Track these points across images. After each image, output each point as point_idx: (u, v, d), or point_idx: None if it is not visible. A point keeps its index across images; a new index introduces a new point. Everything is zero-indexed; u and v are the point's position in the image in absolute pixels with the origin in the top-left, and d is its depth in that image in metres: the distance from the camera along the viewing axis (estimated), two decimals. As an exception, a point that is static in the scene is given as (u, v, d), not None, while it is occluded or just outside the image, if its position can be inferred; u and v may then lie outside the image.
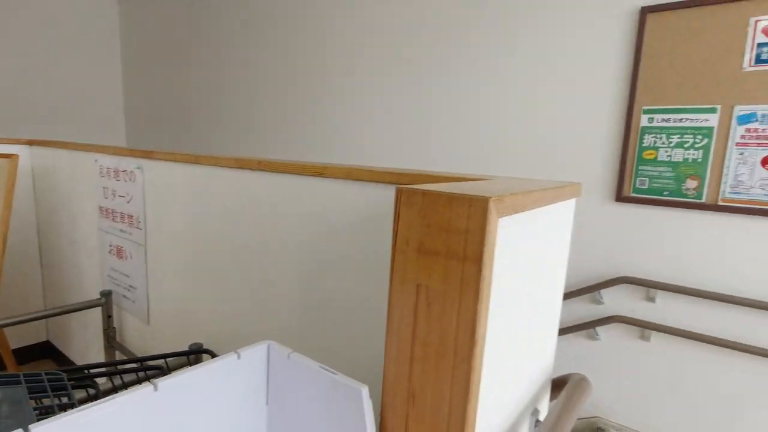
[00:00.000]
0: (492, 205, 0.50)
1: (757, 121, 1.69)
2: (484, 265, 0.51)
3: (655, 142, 1.88)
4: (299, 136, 3.12)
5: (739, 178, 1.74)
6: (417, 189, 0.54)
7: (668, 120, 1.84)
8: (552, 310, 0.89)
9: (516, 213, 0.55)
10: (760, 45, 1.66)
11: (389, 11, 2.63)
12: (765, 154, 1.69)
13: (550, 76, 2.10)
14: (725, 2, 1.69)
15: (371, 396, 0.60)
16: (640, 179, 1.92)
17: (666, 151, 1.86)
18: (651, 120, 1.87)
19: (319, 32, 2.95)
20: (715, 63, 1.73)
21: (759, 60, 1.67)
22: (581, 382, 0.85)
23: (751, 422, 1.82)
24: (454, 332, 0.53)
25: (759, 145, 1.69)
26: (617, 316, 2.03)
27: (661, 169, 1.87)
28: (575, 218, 2.08)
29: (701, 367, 1.90)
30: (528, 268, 0.68)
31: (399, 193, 0.55)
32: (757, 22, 1.66)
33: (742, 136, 1.72)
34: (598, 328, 2.09)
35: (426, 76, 2.52)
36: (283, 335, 1.15)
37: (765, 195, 1.70)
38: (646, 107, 1.88)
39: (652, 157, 1.89)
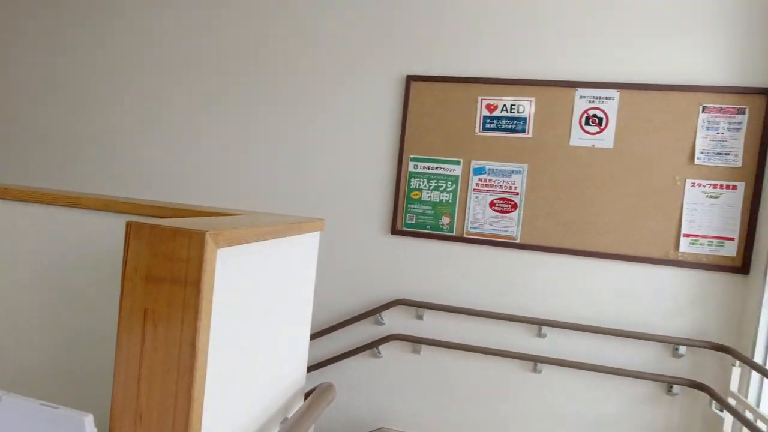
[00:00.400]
0: (209, 238, 0.60)
1: (485, 173, 2.22)
2: (203, 289, 0.60)
3: (419, 185, 2.28)
4: (71, 163, 2.78)
5: (476, 216, 2.24)
6: (145, 223, 0.61)
7: (428, 167, 2.27)
8: (300, 329, 1.02)
9: (238, 244, 0.66)
10: (484, 117, 2.21)
11: (158, 52, 2.62)
12: (491, 198, 2.22)
13: (336, 130, 2.38)
14: (462, 82, 2.21)
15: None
16: (409, 215, 2.30)
17: (427, 193, 2.28)
18: (416, 167, 2.28)
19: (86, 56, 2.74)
20: (459, 126, 2.23)
21: (485, 128, 2.21)
22: (325, 389, 1.00)
23: (503, 411, 2.29)
24: (178, 348, 0.60)
25: (488, 191, 2.22)
26: (395, 334, 2.34)
27: (424, 207, 2.28)
28: (359, 247, 2.36)
29: (463, 371, 2.32)
30: (265, 290, 0.79)
31: (128, 227, 0.61)
32: (482, 100, 2.21)
33: (477, 184, 2.23)
34: (380, 347, 2.37)
35: (223, 113, 2.57)
36: (25, 376, 1.03)
37: (493, 229, 2.23)
38: (412, 156, 2.28)
39: (417, 197, 2.29)
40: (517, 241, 2.20)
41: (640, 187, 2.10)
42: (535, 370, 2.25)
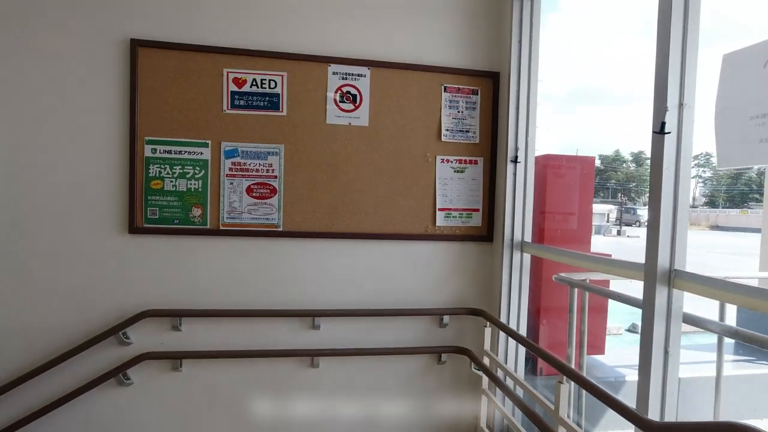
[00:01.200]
0: None
1: (239, 155, 1.98)
2: None
3: (160, 173, 1.92)
4: None
5: (233, 205, 1.98)
6: None
7: (170, 151, 1.92)
8: None
9: None
10: (233, 93, 1.96)
11: None
12: (248, 184, 1.99)
13: (37, 113, 1.85)
14: (204, 51, 1.93)
15: None
16: (151, 209, 1.92)
17: (171, 181, 1.93)
18: (155, 151, 1.91)
19: None
20: (203, 102, 1.94)
21: (234, 105, 1.96)
22: None
23: (286, 414, 2.07)
24: None
25: (243, 176, 1.98)
26: (146, 353, 1.94)
27: (169, 198, 1.93)
28: (87, 253, 1.88)
29: (236, 381, 2.04)
30: None
31: None
32: (228, 73, 1.96)
33: (230, 169, 1.97)
34: (129, 371, 1.93)
35: None
36: None
37: (252, 218, 2.00)
38: (148, 138, 1.91)
39: (159, 186, 1.92)
40: (280, 229, 2.01)
41: (398, 165, 2.12)
42: (312, 364, 2.10)
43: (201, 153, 1.95)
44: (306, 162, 2.02)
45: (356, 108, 2.07)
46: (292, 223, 2.02)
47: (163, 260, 1.95)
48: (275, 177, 2.00)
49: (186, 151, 1.94)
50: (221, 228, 1.97)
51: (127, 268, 1.93)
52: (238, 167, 1.97)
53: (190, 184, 1.94)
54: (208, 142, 1.95)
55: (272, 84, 1.98)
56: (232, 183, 1.97)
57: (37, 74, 1.83)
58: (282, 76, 1.99)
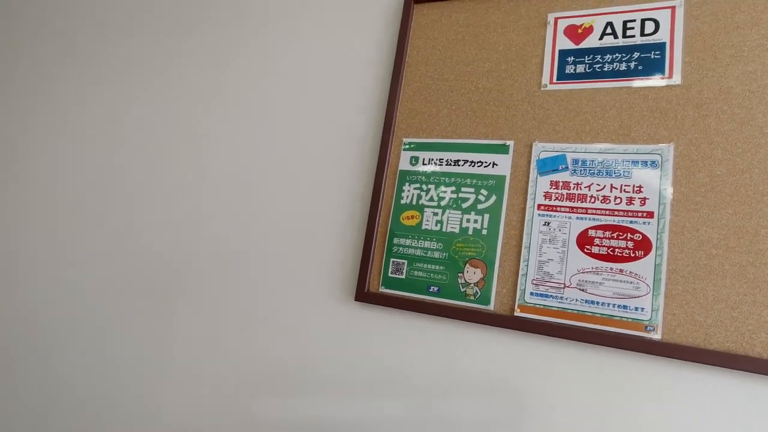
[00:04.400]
0: None
1: (567, 169, 0.97)
2: None
3: (419, 198, 1.07)
4: None
5: (547, 269, 0.94)
6: None
7: (440, 161, 1.08)
8: None
9: None
10: (563, 54, 1.03)
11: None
12: (584, 227, 0.93)
13: (272, 102, 1.31)
14: (515, -6, 1.09)
15: None
16: (394, 262, 1.06)
17: (434, 214, 1.05)
18: (415, 161, 1.10)
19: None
20: (505, 77, 1.06)
21: (563, 75, 1.02)
22: None
23: None
24: None
25: (574, 210, 0.95)
26: None
27: (427, 245, 1.04)
28: (290, 329, 1.12)
29: None
30: None
31: None
32: (557, 20, 1.05)
33: (547, 194, 0.97)
34: None
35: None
36: None
37: (588, 302, 0.90)
38: (409, 140, 1.11)
39: (413, 222, 1.07)
40: (656, 337, 0.83)
41: None
42: None
43: (493, 164, 1.03)
44: (731, 182, 0.85)
45: None
46: (687, 326, 0.82)
47: (397, 359, 1.03)
48: (648, 215, 0.89)
49: (466, 160, 1.05)
50: (517, 314, 0.94)
51: (343, 358, 1.07)
52: (565, 192, 0.96)
53: (467, 220, 1.02)
54: (508, 144, 1.03)
55: (648, 27, 0.97)
56: (548, 223, 0.96)
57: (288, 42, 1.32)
58: (672, 7, 0.96)
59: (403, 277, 1.04)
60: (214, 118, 1.33)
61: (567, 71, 1.01)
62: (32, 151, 1.56)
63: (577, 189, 0.95)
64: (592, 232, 0.92)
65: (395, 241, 1.07)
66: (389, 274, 1.06)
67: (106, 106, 1.49)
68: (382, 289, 1.06)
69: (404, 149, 1.11)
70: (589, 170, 0.95)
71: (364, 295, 1.06)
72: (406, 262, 1.05)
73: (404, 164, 1.10)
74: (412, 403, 1.00)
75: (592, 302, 0.89)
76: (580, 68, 1.00)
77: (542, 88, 1.02)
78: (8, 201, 1.55)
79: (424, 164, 1.08)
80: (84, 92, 1.54)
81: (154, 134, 1.40)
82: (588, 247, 0.92)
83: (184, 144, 1.35)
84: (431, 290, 1.01)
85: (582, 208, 0.94)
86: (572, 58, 1.01)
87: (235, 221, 1.24)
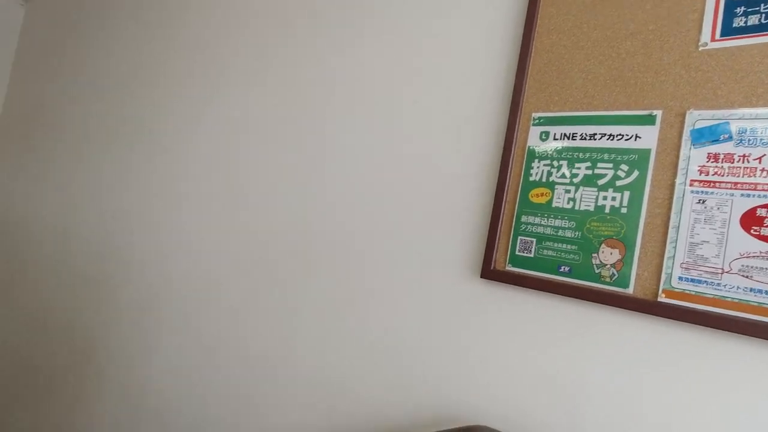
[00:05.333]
0: None
1: (730, 139, 0.85)
2: None
3: (549, 176, 1.03)
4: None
5: (700, 252, 0.85)
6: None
7: (573, 136, 1.02)
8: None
9: None
10: (730, 5, 0.89)
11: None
12: (749, 207, 0.82)
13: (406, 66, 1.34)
14: (669, -59, 0.96)
15: None
16: (522, 240, 1.05)
17: (566, 192, 1.01)
18: (545, 137, 1.05)
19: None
20: (653, 38, 0.96)
21: (730, 29, 0.88)
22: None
23: None
24: None
25: (736, 186, 0.83)
26: None
27: (558, 223, 1.01)
28: (411, 304, 1.17)
29: None
30: None
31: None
32: (723, -36, 0.90)
33: (702, 169, 0.87)
34: None
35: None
36: None
37: (753, 290, 0.79)
38: (538, 115, 1.07)
39: (543, 200, 1.03)
40: None
41: None
42: None
43: (635, 137, 0.94)
44: None
45: None
46: None
47: (523, 338, 1.02)
48: (843, 190, 0.74)
49: (604, 134, 0.98)
50: (661, 300, 0.86)
51: (463, 342, 1.10)
52: (727, 165, 0.84)
53: (603, 198, 0.96)
54: (654, 114, 0.93)
55: None
56: (703, 201, 0.85)
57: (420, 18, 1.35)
58: None
59: (532, 255, 1.02)
60: (342, 107, 1.43)
61: (735, 24, 0.87)
62: (202, 144, 1.84)
63: (743, 162, 0.83)
64: (761, 212, 0.80)
65: (523, 219, 1.05)
66: (516, 253, 1.05)
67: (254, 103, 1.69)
68: (509, 268, 1.05)
69: (533, 124, 1.07)
70: (761, 140, 0.82)
71: (490, 272, 1.07)
72: (534, 240, 1.03)
73: (533, 140, 1.07)
74: (537, 385, 0.99)
75: (760, 291, 0.78)
76: (753, 19, 0.86)
77: (701, 48, 0.90)
78: (181, 187, 1.86)
79: (555, 139, 1.04)
80: (248, 91, 1.76)
81: (291, 128, 1.55)
82: (756, 228, 0.80)
83: (318, 134, 1.48)
84: (562, 270, 0.98)
85: (749, 183, 0.82)
86: (742, 8, 0.87)
87: (362, 202, 1.33)
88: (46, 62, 2.80)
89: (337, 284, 1.33)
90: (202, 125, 1.80)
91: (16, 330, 2.46)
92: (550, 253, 1.00)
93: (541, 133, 1.06)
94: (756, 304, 0.78)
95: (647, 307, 0.87)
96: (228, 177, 1.67)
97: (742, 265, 0.80)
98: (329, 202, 1.40)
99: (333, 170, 1.41)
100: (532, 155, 1.06)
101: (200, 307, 1.64)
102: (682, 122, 0.90)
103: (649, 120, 0.93)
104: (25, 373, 2.31)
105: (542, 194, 1.03)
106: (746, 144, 0.83)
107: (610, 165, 0.96)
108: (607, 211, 0.95)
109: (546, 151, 1.04)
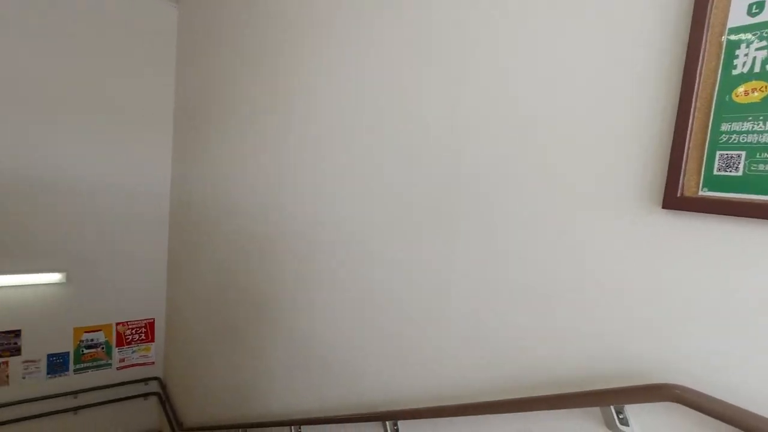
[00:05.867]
0: None
1: None
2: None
3: (765, 63, 0.76)
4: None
5: None
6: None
7: (805, -1, 0.72)
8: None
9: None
10: None
11: None
12: None
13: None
14: None
15: None
16: (723, 154, 0.80)
17: None
18: (758, 8, 0.77)
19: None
20: None
21: None
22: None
23: None
24: None
25: None
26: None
27: (780, 126, 0.74)
28: (567, 243, 1.01)
29: None
30: None
31: None
32: None
33: None
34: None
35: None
36: None
37: None
38: (743, -18, 0.78)
39: (756, 97, 0.76)
40: None
41: None
42: None
43: None
44: None
45: None
46: None
47: (730, 286, 0.79)
48: None
49: None
50: None
51: (643, 290, 0.91)
52: None
53: None
54: None
55: None
56: None
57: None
58: None
59: (740, 173, 0.78)
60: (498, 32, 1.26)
61: None
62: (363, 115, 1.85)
63: None
64: None
65: (723, 127, 0.80)
66: (715, 172, 0.81)
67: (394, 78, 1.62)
68: (704, 192, 0.82)
69: (737, -5, 0.79)
70: None
71: (676, 200, 0.85)
72: (743, 153, 0.77)
73: (737, 17, 0.79)
74: (748, 342, 0.77)
75: None
76: None
77: None
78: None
79: (772, 11, 0.75)
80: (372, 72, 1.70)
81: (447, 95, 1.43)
82: None
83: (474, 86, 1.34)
84: (789, 190, 0.73)
85: None
86: None
87: (515, 134, 1.17)
88: (201, 54, 3.12)
89: (489, 234, 1.23)
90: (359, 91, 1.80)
91: (208, 289, 2.92)
92: (762, 168, 0.75)
93: (751, 5, 0.77)
94: None
95: None
96: (369, 146, 1.66)
97: None
98: (484, 144, 1.28)
99: (481, 116, 1.28)
100: (736, 41, 0.79)
101: (355, 264, 1.70)
102: None
103: None
104: (220, 324, 2.74)
105: (754, 90, 0.76)
106: None
107: None
108: None
109: (760, 30, 0.76)
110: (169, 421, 3.43)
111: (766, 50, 0.75)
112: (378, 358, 1.57)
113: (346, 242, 1.71)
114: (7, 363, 3.24)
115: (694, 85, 0.82)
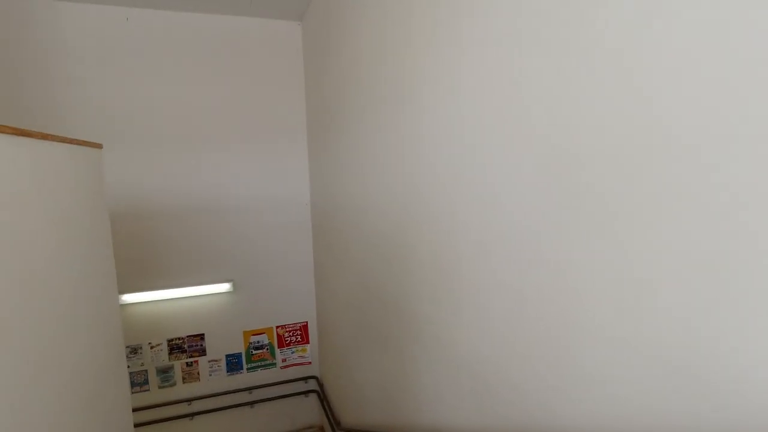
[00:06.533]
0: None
1: None
2: None
3: None
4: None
5: None
6: None
7: None
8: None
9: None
10: None
11: None
12: None
13: None
14: None
15: None
16: None
17: None
18: None
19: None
20: None
21: None
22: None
23: None
24: None
25: None
26: None
27: None
28: None
29: None
30: None
31: None
32: None
33: None
34: None
35: None
36: None
37: None
38: None
39: None
40: None
41: None
42: None
43: None
44: None
45: None
46: None
47: None
48: None
49: None
50: None
51: None
52: None
53: None
54: None
55: None
56: None
57: None
58: None
59: None
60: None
61: None
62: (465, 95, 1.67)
63: None
64: None
65: None
66: None
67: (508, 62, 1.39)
68: None
69: None
70: None
71: None
72: None
73: None
74: None
75: None
76: None
77: None
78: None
79: None
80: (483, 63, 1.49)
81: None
82: None
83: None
84: None
85: None
86: None
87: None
88: (326, 64, 3.21)
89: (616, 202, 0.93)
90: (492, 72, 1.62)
91: (349, 290, 2.97)
92: None
93: None
94: None
95: None
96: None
97: None
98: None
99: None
100: None
101: (507, 263, 1.50)
102: None
103: None
104: (366, 330, 2.76)
105: None
106: None
107: None
108: None
109: None
110: (328, 419, 3.62)
111: None
112: (543, 369, 1.35)
113: (496, 241, 1.52)
114: (197, 362, 3.76)
115: None
